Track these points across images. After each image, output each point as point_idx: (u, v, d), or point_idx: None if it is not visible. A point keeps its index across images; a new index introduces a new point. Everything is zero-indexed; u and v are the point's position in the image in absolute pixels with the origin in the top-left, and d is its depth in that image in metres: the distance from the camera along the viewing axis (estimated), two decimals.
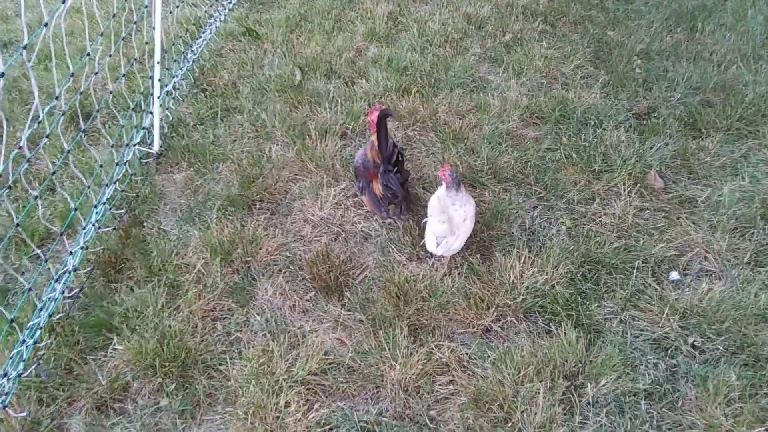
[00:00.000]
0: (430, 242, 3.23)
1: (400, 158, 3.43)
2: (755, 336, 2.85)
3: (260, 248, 3.39)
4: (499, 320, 3.04)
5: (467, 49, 5.22)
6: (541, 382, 2.71)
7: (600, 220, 3.54)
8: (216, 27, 5.38)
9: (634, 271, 3.19)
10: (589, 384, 2.71)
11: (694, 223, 3.48)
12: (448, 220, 3.09)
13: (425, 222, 3.32)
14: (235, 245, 3.38)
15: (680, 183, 3.79)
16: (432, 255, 3.31)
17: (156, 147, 4.03)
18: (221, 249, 3.35)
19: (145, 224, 3.57)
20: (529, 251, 3.32)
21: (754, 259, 3.23)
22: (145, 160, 3.99)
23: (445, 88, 4.71)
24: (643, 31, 5.39)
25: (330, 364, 2.85)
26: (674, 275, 3.21)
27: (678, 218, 3.53)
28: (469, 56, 5.11)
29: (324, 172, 3.92)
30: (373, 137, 3.38)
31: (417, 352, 2.86)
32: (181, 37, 4.72)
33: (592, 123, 4.26)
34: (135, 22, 3.70)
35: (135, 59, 3.82)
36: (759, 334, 2.86)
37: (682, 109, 4.37)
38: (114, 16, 3.42)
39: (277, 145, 4.17)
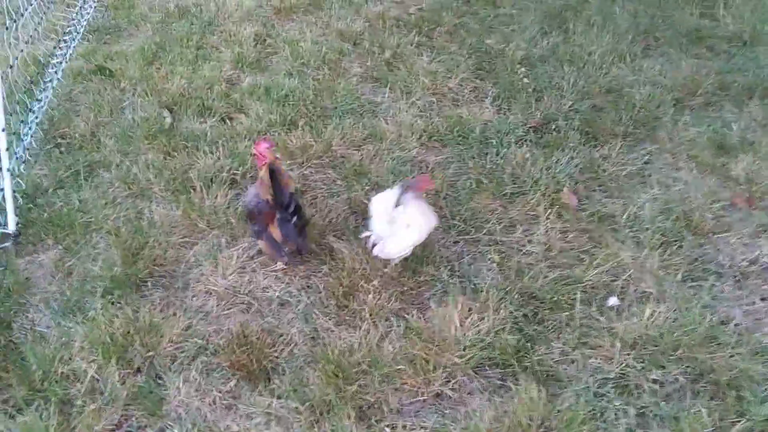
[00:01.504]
0: (370, 242, 3.20)
1: (297, 204, 3.10)
2: (710, 360, 2.76)
3: (161, 337, 2.89)
4: (449, 381, 2.75)
5: (347, 69, 4.91)
6: None
7: (527, 250, 3.35)
8: (62, 68, 4.68)
9: (576, 303, 3.03)
10: None
11: (619, 241, 3.38)
12: (390, 222, 3.04)
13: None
14: (130, 339, 2.85)
15: (594, 198, 3.70)
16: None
17: (12, 226, 3.38)
18: (114, 346, 2.81)
19: (13, 326, 2.95)
20: (464, 296, 3.06)
21: (687, 275, 3.17)
22: (0, 245, 3.32)
23: (334, 116, 4.36)
24: (518, 36, 5.33)
25: None
26: (613, 300, 3.08)
27: (602, 237, 3.42)
28: (351, 78, 4.80)
29: (218, 230, 3.46)
30: (262, 173, 3.03)
31: None
32: (27, 87, 4.03)
33: (493, 142, 4.09)
34: None
35: None
36: (712, 357, 2.78)
37: (576, 117, 4.30)
38: None
39: (158, 203, 3.64)
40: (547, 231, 3.44)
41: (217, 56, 5.03)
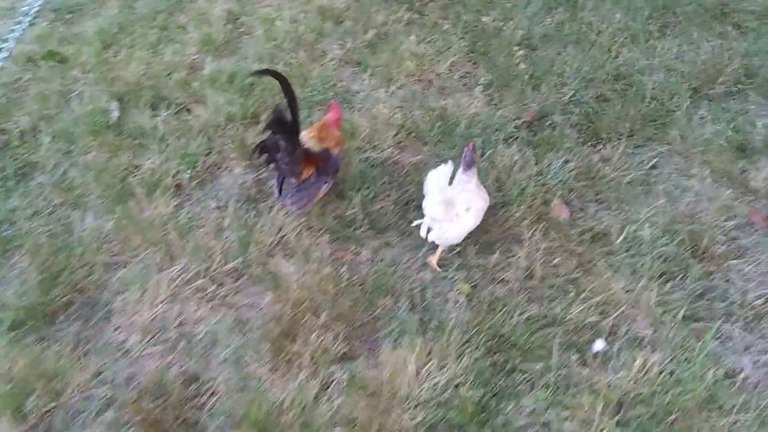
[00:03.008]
0: (423, 227, 2.89)
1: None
2: (709, 430, 2.28)
3: (67, 384, 2.50)
4: None
5: (325, 52, 4.39)
6: None
7: (504, 277, 2.88)
8: (9, 51, 4.24)
9: (554, 350, 2.55)
10: None
11: (612, 268, 2.88)
12: (445, 202, 2.73)
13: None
14: (31, 386, 2.47)
15: (588, 210, 3.19)
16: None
17: None
18: (12, 395, 2.44)
19: None
20: (424, 336, 2.61)
21: (690, 315, 2.66)
22: None
23: (303, 107, 3.87)
24: (520, 12, 4.73)
25: None
26: (599, 345, 2.60)
27: (593, 262, 2.92)
28: (327, 62, 4.29)
29: (154, 247, 3.04)
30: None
31: None
32: None
33: (479, 141, 3.57)
34: None
35: None
36: (711, 426, 2.29)
37: (576, 110, 3.75)
38: None
39: (91, 213, 3.24)
40: (529, 253, 2.95)
41: (182, 38, 4.54)
